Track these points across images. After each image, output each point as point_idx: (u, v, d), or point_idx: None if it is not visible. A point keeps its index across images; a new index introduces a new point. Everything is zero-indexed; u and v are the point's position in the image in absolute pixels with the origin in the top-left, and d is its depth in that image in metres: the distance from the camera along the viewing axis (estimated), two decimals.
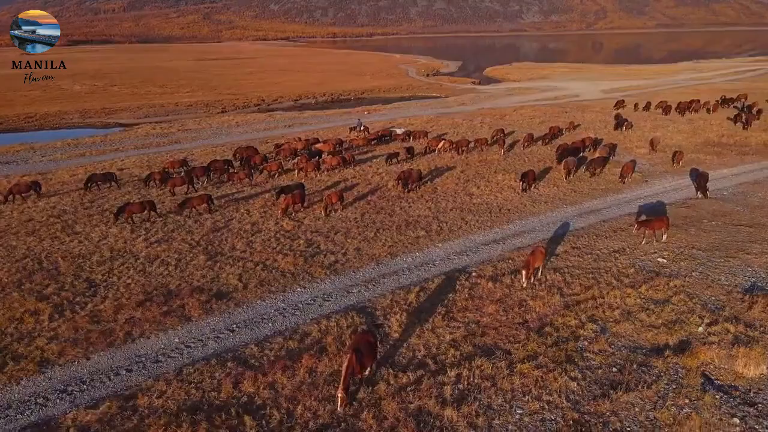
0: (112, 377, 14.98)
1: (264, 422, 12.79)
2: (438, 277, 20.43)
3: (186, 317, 17.94)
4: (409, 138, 47.18)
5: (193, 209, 28.78)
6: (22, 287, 20.47)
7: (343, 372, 12.86)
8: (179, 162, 38.08)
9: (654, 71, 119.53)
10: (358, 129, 51.55)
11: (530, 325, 16.57)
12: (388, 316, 17.61)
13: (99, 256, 23.30)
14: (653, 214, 26.24)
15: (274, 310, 18.46)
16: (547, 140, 44.28)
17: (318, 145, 42.88)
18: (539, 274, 19.95)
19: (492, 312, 17.36)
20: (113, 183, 34.10)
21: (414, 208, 28.99)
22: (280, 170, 35.62)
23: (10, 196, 31.14)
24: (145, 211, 27.81)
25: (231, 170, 35.53)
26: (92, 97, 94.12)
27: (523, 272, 19.05)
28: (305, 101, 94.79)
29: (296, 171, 35.81)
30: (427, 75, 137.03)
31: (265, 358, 15.53)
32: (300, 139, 46.74)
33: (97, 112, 78.85)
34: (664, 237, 23.13)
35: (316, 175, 35.22)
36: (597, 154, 35.83)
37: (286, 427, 12.61)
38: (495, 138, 45.27)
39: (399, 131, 49.07)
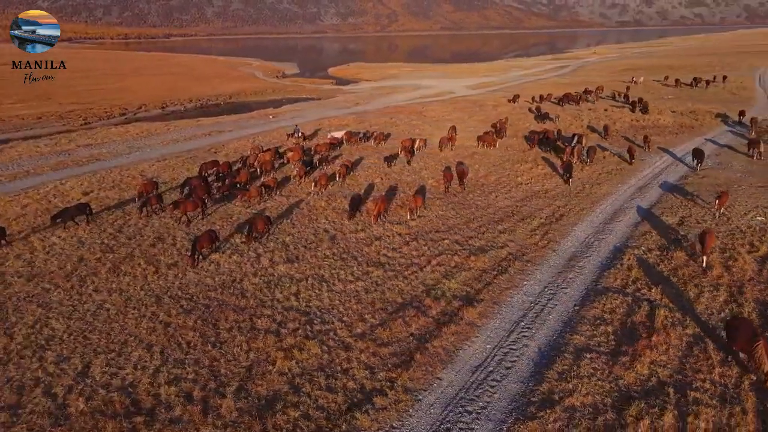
0: (489, 390, 14.49)
1: (698, 396, 13.66)
2: (624, 255, 22.25)
3: (472, 324, 17.39)
4: (371, 140, 47.48)
5: (255, 232, 26.01)
6: (220, 326, 17.60)
7: (765, 359, 13.91)
8: (152, 184, 33.67)
9: (488, 68, 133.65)
10: (296, 135, 50.25)
11: (760, 280, 19.47)
12: (641, 291, 19.12)
13: (250, 284, 20.66)
14: (676, 188, 31.36)
15: (531, 304, 18.83)
16: (502, 135, 48.38)
17: (288, 155, 41.24)
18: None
19: (719, 275, 19.90)
20: (88, 215, 29.06)
21: (491, 199, 30.27)
22: (275, 185, 33.38)
23: None
24: (215, 242, 24.58)
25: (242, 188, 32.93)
26: None
27: (704, 258, 20.96)
28: (173, 109, 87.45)
29: (312, 183, 33.78)
30: (277, 77, 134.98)
31: (599, 345, 16.11)
32: (263, 148, 44.12)
33: None
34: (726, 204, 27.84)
35: (326, 187, 32.90)
36: (589, 144, 40.66)
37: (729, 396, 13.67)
38: (450, 135, 47.85)
39: (340, 134, 49.04)
